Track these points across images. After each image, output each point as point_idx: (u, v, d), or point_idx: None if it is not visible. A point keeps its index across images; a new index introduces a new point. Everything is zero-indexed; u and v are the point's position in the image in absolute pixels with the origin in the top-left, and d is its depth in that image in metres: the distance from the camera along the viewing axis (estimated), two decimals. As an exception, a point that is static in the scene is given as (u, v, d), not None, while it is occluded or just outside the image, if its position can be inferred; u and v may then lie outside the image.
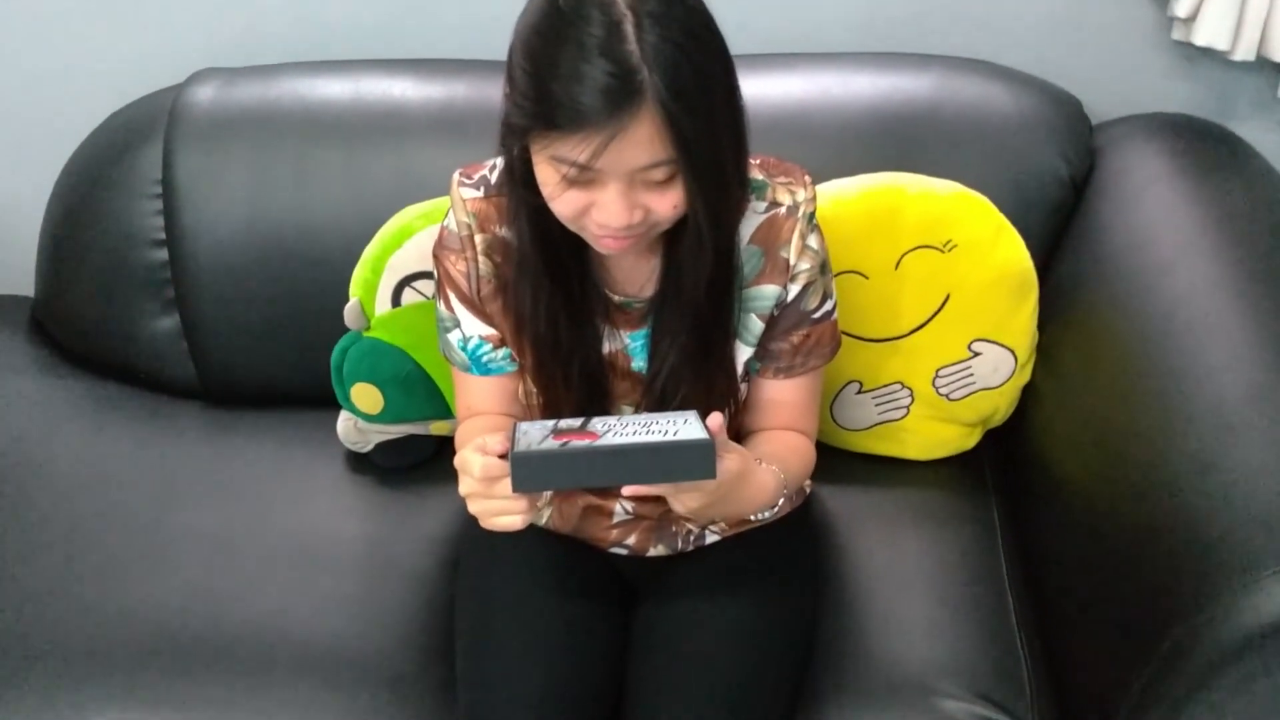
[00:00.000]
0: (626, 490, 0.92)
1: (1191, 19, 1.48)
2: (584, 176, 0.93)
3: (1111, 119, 1.57)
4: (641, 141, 0.89)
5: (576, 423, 0.96)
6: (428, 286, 1.40)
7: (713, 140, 0.93)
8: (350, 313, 1.40)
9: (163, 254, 1.56)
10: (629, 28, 0.88)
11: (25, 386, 1.60)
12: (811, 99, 1.49)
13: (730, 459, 0.96)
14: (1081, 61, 1.57)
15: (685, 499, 0.96)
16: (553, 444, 0.90)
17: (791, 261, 1.09)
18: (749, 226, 1.08)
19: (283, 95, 1.55)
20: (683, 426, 0.93)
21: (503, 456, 0.92)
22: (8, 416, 1.54)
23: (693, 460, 0.90)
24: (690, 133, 0.90)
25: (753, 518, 1.15)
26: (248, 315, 1.54)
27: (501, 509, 0.95)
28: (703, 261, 1.01)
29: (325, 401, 1.47)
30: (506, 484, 0.91)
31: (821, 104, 1.48)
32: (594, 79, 0.87)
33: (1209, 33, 1.46)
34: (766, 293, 1.10)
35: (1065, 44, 1.57)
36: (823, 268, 1.12)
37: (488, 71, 1.46)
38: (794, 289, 1.10)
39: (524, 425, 0.96)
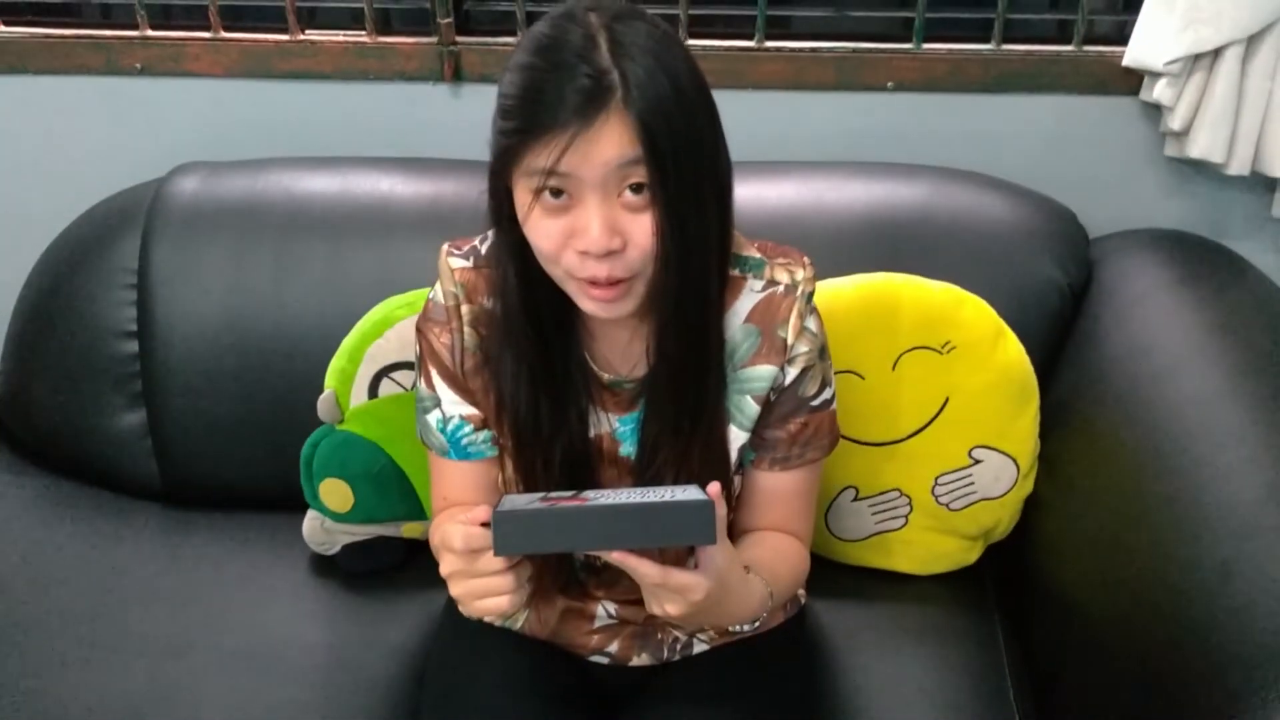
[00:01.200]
0: (614, 556, 0.84)
1: (1185, 133, 1.49)
2: (559, 193, 0.90)
3: (1106, 233, 1.56)
4: (610, 139, 0.88)
5: (568, 493, 0.90)
6: (407, 377, 1.36)
7: (686, 151, 0.90)
8: (324, 404, 1.35)
9: (133, 346, 1.51)
10: (602, 39, 0.90)
11: (-23, 483, 1.53)
12: (805, 204, 1.48)
13: (719, 558, 0.89)
14: (1075, 177, 1.57)
15: (666, 603, 0.89)
16: (540, 505, 0.84)
17: (789, 342, 1.05)
18: (745, 305, 1.05)
19: (268, 188, 1.53)
20: (680, 493, 0.86)
21: (487, 525, 0.85)
22: (-43, 513, 1.47)
23: (691, 522, 0.82)
24: (660, 133, 0.88)
25: (733, 629, 1.07)
26: (216, 411, 1.48)
27: (486, 588, 0.88)
28: (682, 311, 0.97)
29: (291, 504, 1.41)
30: (491, 559, 0.84)
31: (815, 209, 1.47)
32: (565, 82, 0.88)
33: (1203, 146, 1.46)
34: (762, 374, 1.06)
35: (1059, 160, 1.57)
36: (821, 352, 1.08)
37: (479, 171, 1.44)
38: (791, 372, 1.06)
39: (511, 496, 0.90)
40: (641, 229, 0.92)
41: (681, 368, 1.00)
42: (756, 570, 1.02)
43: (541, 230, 0.93)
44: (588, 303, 0.96)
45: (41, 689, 1.21)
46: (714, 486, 0.86)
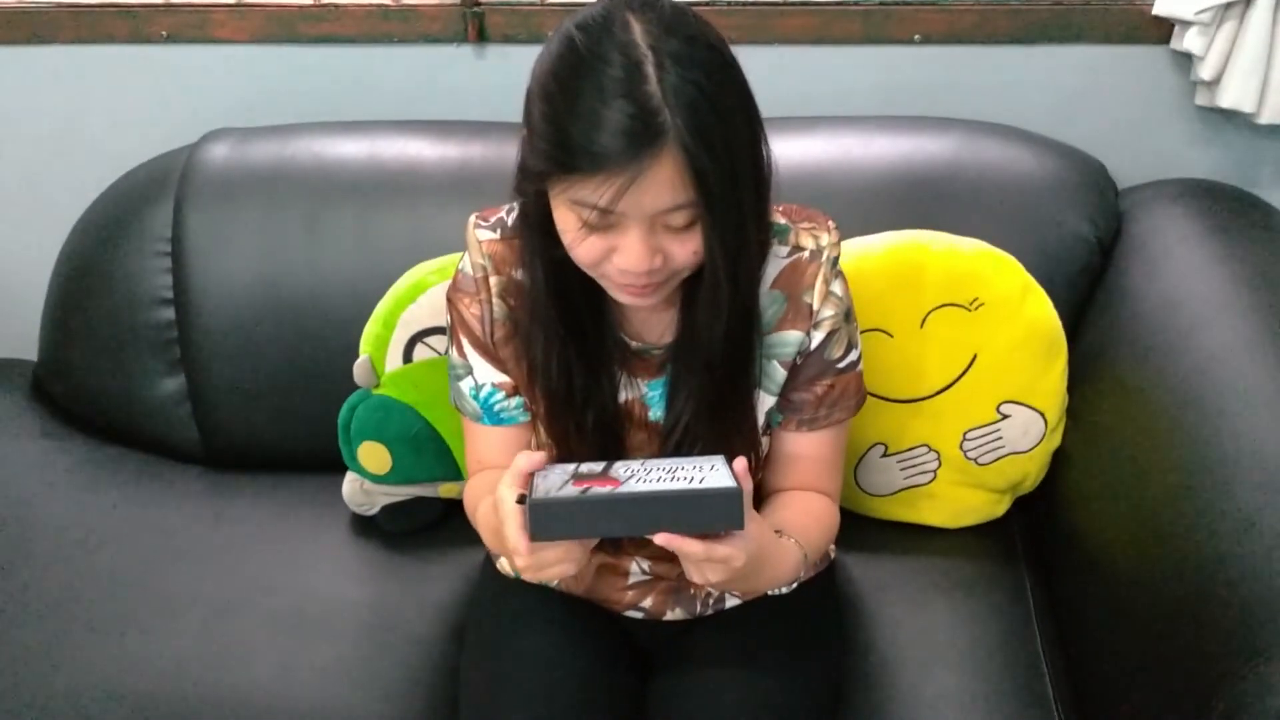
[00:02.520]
0: (659, 539, 0.86)
1: (1215, 82, 1.47)
2: (604, 221, 0.91)
3: (1136, 184, 1.55)
4: (663, 183, 0.87)
5: (598, 467, 0.92)
6: (440, 342, 1.37)
7: (733, 182, 0.90)
8: (360, 369, 1.37)
9: (170, 313, 1.53)
10: (650, 68, 0.86)
11: (24, 449, 1.56)
12: (833, 160, 1.48)
13: (751, 529, 0.91)
14: (1105, 128, 1.56)
15: (705, 571, 0.91)
16: (572, 490, 0.86)
17: (815, 307, 1.06)
18: (771, 271, 1.06)
19: (297, 154, 1.54)
20: (709, 473, 0.88)
21: (521, 501, 0.87)
22: (4, 479, 1.50)
23: (720, 509, 0.85)
24: (711, 174, 0.88)
25: (770, 592, 1.10)
26: (254, 376, 1.51)
27: (551, 560, 0.91)
28: (720, 309, 0.98)
29: (331, 466, 1.43)
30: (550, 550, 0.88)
31: (843, 165, 1.47)
32: (614, 121, 0.85)
33: (1234, 95, 1.45)
34: (789, 339, 1.07)
35: (1088, 112, 1.57)
36: (847, 315, 1.09)
37: (506, 134, 1.46)
38: (817, 336, 1.07)
39: (544, 470, 0.92)
40: (683, 248, 0.93)
41: (709, 338, 1.01)
42: (788, 532, 1.03)
43: (582, 246, 0.93)
44: (621, 295, 0.98)
45: (94, 647, 1.24)
46: (740, 463, 0.88)
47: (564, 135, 0.87)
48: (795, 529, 1.05)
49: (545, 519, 0.84)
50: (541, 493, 0.86)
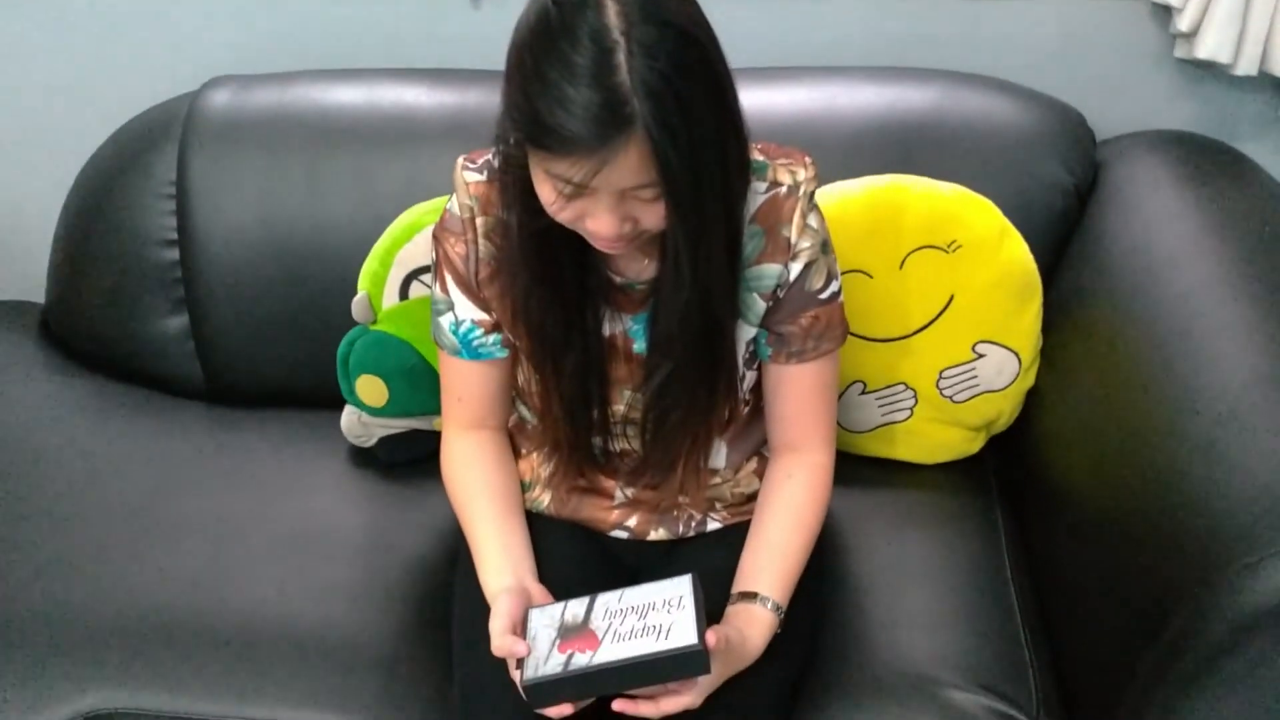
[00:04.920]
0: (616, 705, 0.99)
1: (1194, 34, 1.50)
2: (577, 192, 0.94)
3: (1114, 135, 1.58)
4: (631, 166, 0.91)
5: (580, 612, 1.01)
6: (435, 280, 1.41)
7: (700, 161, 0.93)
8: (358, 306, 1.41)
9: (174, 254, 1.57)
10: (620, 56, 0.88)
11: (33, 388, 1.61)
12: (816, 109, 1.50)
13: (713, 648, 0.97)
14: (1084, 79, 1.58)
15: (682, 701, 1.00)
16: (559, 658, 0.97)
17: (793, 240, 1.09)
18: (751, 206, 1.08)
19: (297, 101, 1.57)
20: (678, 616, 0.97)
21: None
22: (14, 412, 1.54)
23: (687, 664, 0.96)
24: (676, 156, 0.90)
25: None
26: (256, 314, 1.55)
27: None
28: (682, 282, 1.01)
29: (330, 402, 1.47)
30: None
31: (826, 114, 1.50)
32: (583, 107, 0.87)
33: (1211, 46, 1.47)
34: (768, 272, 1.10)
35: (1067, 62, 1.59)
36: (824, 246, 1.12)
37: (497, 81, 1.47)
38: (795, 267, 1.10)
39: (534, 617, 1.03)
40: (653, 215, 0.97)
41: (691, 270, 1.02)
42: (763, 584, 1.09)
43: (555, 208, 0.97)
44: (597, 245, 1.02)
45: (104, 564, 1.29)
46: (710, 637, 0.96)
47: (535, 113, 0.89)
48: (774, 562, 1.11)
49: (538, 696, 0.98)
50: (532, 671, 0.97)
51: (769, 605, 1.08)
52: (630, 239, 0.99)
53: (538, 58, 0.90)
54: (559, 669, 0.96)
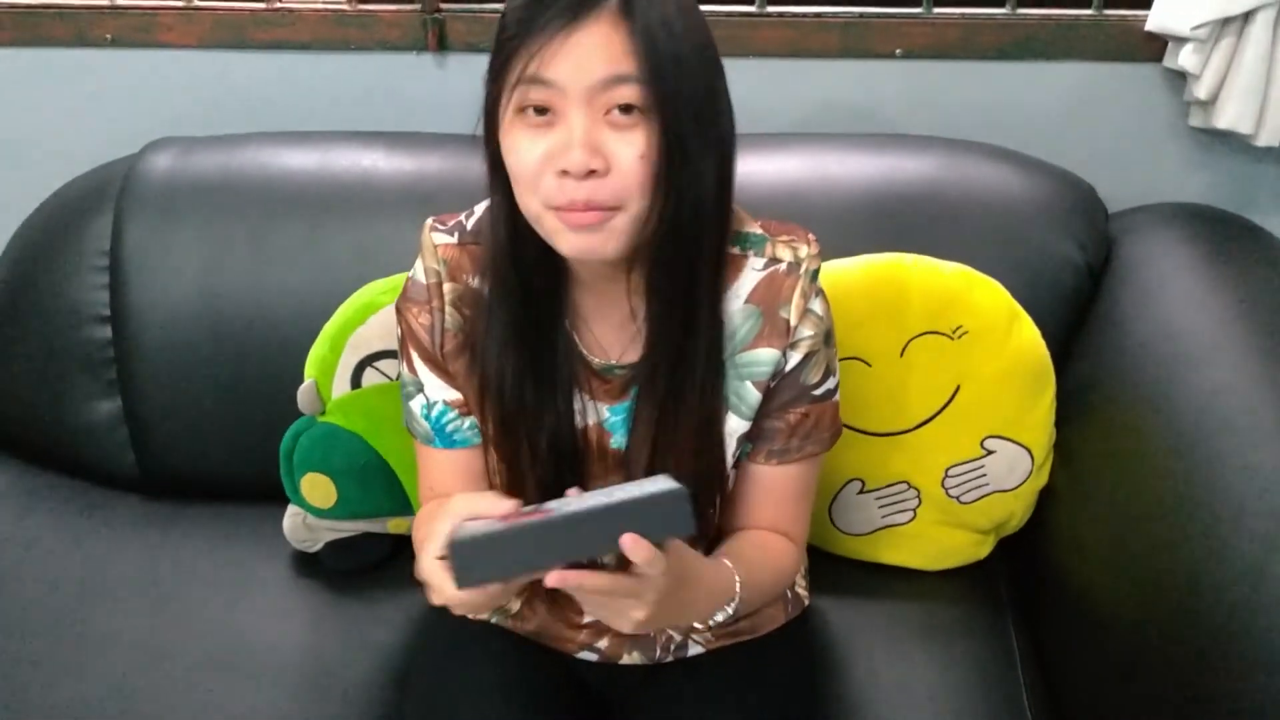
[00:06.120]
0: (551, 579, 0.77)
1: (1211, 102, 1.43)
2: (542, 99, 0.87)
3: (1127, 208, 1.50)
4: (598, 47, 0.85)
5: (530, 508, 0.83)
6: (391, 366, 1.31)
7: (684, 72, 0.87)
8: (304, 395, 1.30)
9: (106, 332, 1.46)
10: None
11: (-52, 473, 1.49)
12: (808, 178, 1.42)
13: (670, 555, 0.81)
14: (1094, 149, 1.52)
15: (624, 609, 0.83)
16: (497, 525, 0.77)
17: (792, 323, 1.00)
18: (747, 284, 1.00)
19: (244, 165, 1.47)
20: (647, 485, 0.79)
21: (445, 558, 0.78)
22: (-75, 505, 1.43)
23: (665, 514, 0.76)
24: (657, 47, 0.86)
25: (712, 622, 1.00)
26: (195, 399, 1.44)
27: (468, 605, 0.86)
28: (675, 275, 0.93)
29: (274, 496, 1.36)
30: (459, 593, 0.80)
31: (818, 184, 1.42)
32: None
33: (1232, 116, 1.40)
34: (763, 357, 1.01)
35: (1077, 132, 1.52)
36: (826, 338, 1.03)
37: (465, 146, 1.37)
38: (794, 356, 1.01)
39: (469, 523, 0.82)
40: (627, 151, 0.87)
41: (677, 351, 0.95)
42: (726, 557, 0.97)
43: (521, 150, 0.89)
44: (568, 239, 0.90)
45: (18, 692, 1.18)
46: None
47: (508, 19, 0.88)
48: (736, 556, 0.98)
49: (470, 561, 0.76)
50: (465, 534, 0.77)
51: (723, 564, 0.96)
52: (600, 214, 0.88)
53: None
54: (496, 527, 0.77)
